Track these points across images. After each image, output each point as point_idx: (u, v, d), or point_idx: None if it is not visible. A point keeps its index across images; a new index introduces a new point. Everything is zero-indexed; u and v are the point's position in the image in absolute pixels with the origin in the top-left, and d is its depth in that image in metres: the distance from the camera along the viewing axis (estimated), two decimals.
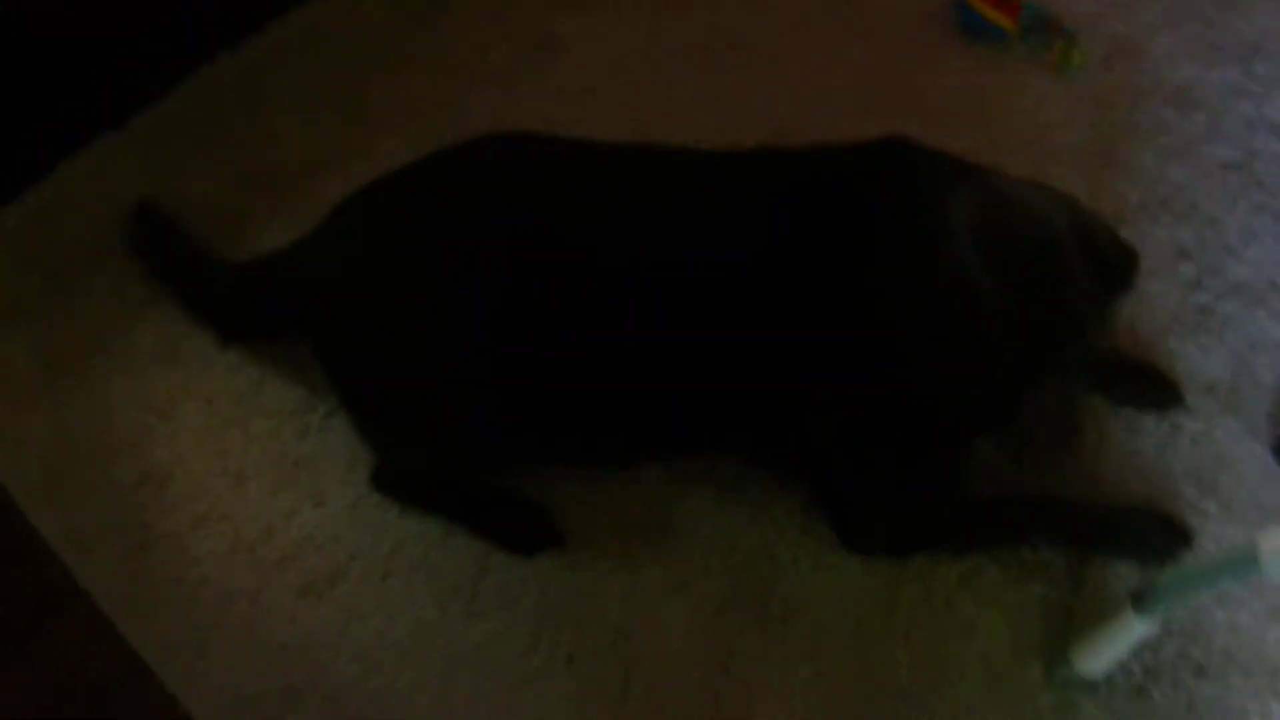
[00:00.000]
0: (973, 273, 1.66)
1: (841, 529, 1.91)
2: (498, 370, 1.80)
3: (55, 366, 2.10)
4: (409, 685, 1.82)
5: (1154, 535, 1.83)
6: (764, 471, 1.97)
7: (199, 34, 2.49)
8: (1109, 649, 1.73)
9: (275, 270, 1.96)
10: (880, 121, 1.90)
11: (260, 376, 2.07)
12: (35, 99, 2.29)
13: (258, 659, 1.85)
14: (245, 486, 1.97)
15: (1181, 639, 1.83)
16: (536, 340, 1.79)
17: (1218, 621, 1.84)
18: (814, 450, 1.88)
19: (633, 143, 1.96)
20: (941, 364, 1.71)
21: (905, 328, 1.72)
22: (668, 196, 1.86)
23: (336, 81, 2.47)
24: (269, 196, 2.26)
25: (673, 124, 2.04)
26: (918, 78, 2.43)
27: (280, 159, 2.33)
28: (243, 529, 1.94)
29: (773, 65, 2.47)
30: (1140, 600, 1.65)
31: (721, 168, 1.89)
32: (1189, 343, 2.09)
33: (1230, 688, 1.80)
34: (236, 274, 2.04)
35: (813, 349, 1.76)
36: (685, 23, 2.56)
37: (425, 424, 1.87)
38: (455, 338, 1.80)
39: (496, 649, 1.83)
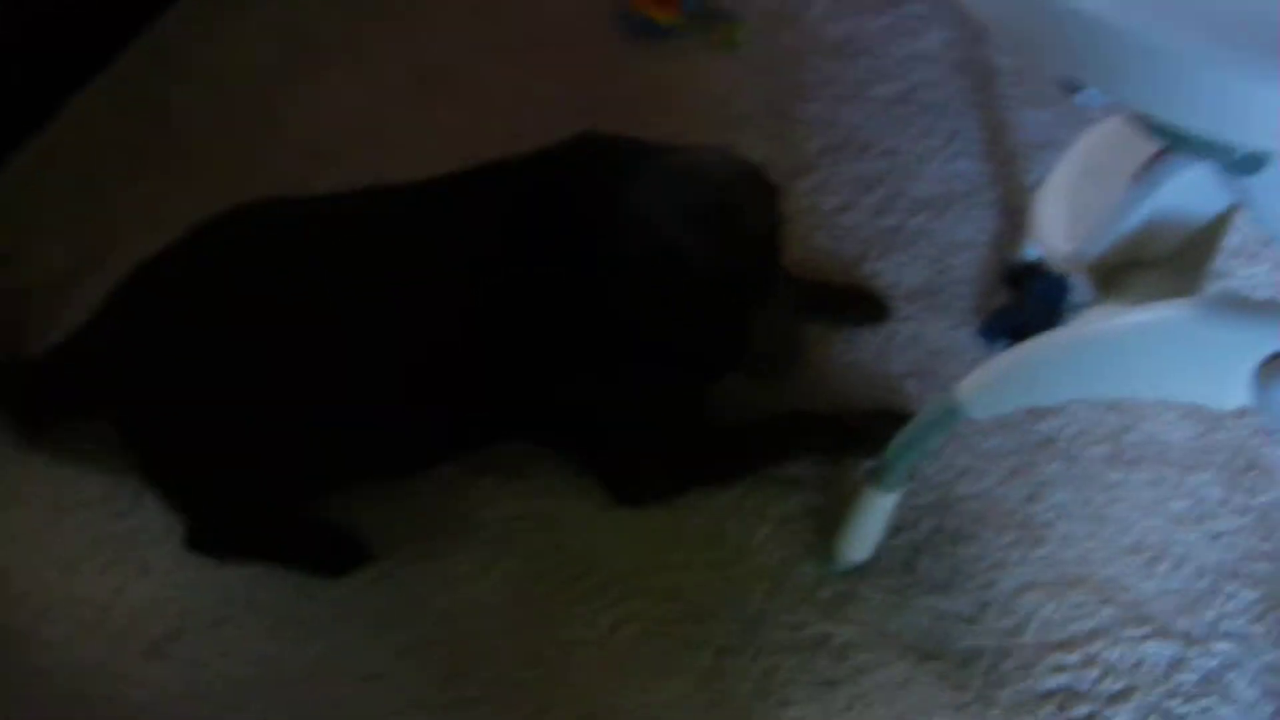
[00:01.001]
0: (670, 235, 1.87)
1: (611, 486, 2.11)
2: (286, 410, 1.98)
3: None
4: (260, 714, 1.95)
5: (888, 429, 2.00)
6: (540, 449, 2.15)
7: None
8: (865, 530, 1.95)
9: (66, 355, 2.09)
10: (583, 124, 2.09)
11: (69, 473, 2.19)
12: None
13: None
14: (76, 573, 2.09)
15: (934, 515, 2.05)
16: (315, 377, 1.97)
17: (963, 493, 2.07)
18: (573, 421, 2.09)
19: (362, 188, 2.14)
20: (663, 321, 1.92)
21: (626, 298, 1.92)
22: (401, 228, 2.05)
23: (81, 197, 2.59)
24: (35, 311, 2.38)
25: (401, 164, 2.18)
26: (606, 82, 2.63)
27: (39, 278, 2.45)
28: (82, 610, 2.05)
29: (476, 91, 2.67)
30: (874, 475, 1.88)
31: (442, 192, 2.08)
32: (887, 260, 2.33)
33: (988, 545, 2.02)
34: (30, 368, 2.15)
35: (554, 337, 1.97)
36: (387, 69, 2.75)
37: (226, 473, 2.03)
38: (241, 390, 1.96)
39: (333, 661, 1.98)
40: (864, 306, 2.29)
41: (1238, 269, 2.34)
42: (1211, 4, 1.08)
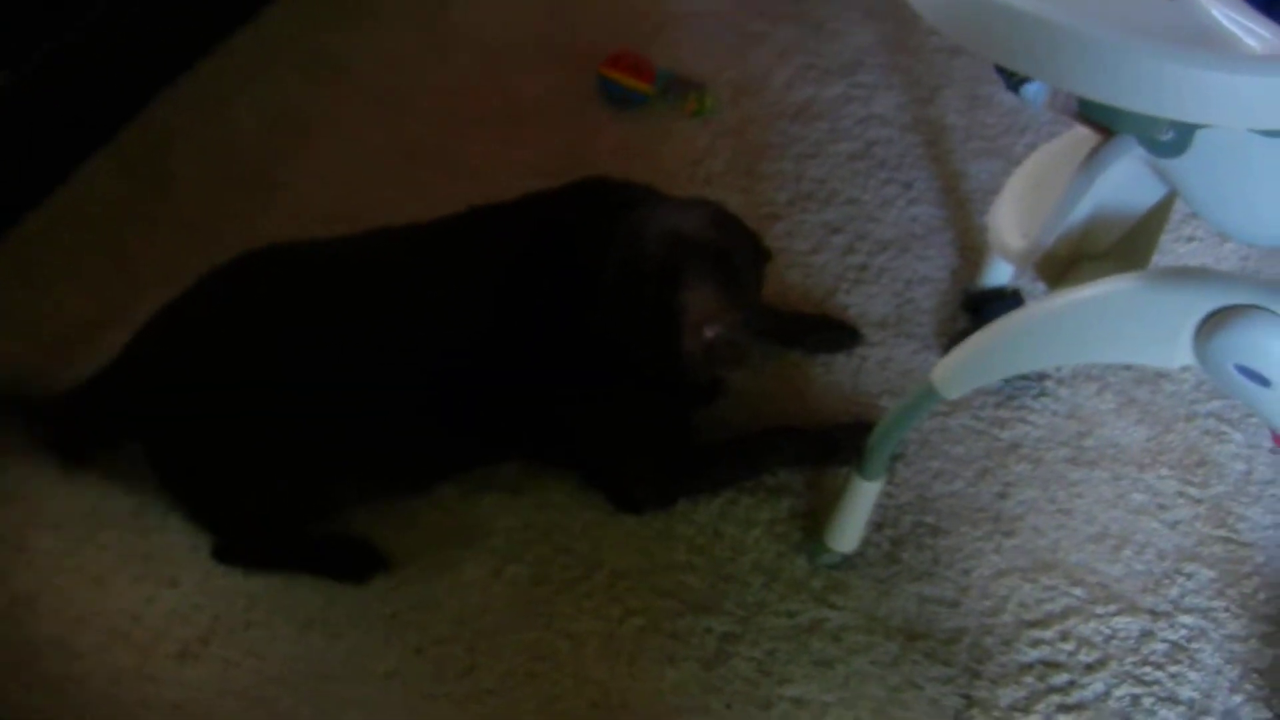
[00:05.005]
0: (651, 266, 2.02)
1: (612, 496, 2.24)
2: (304, 433, 2.11)
3: None
4: (289, 709, 2.06)
5: (864, 439, 2.10)
6: (536, 466, 2.29)
7: None
8: (853, 520, 2.08)
9: (98, 389, 2.20)
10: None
11: (97, 495, 2.30)
12: None
13: None
14: (107, 587, 2.19)
15: (913, 512, 2.21)
16: (330, 402, 2.11)
17: (939, 493, 2.23)
18: (573, 440, 2.23)
19: (368, 230, 2.29)
20: (641, 340, 2.05)
21: (613, 316, 2.07)
22: (414, 260, 2.21)
23: (99, 251, 2.72)
24: (64, 354, 2.48)
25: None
26: (585, 148, 2.79)
27: (67, 324, 2.57)
28: (114, 620, 2.15)
29: (461, 162, 2.81)
30: (861, 465, 2.02)
31: (450, 227, 2.23)
32: (856, 294, 2.50)
33: (964, 537, 2.18)
34: (65, 400, 2.25)
35: (554, 357, 2.10)
36: (373, 144, 2.89)
37: (252, 493, 2.16)
38: (261, 415, 2.11)
39: (357, 659, 2.10)
40: (837, 334, 2.45)
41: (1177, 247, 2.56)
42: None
